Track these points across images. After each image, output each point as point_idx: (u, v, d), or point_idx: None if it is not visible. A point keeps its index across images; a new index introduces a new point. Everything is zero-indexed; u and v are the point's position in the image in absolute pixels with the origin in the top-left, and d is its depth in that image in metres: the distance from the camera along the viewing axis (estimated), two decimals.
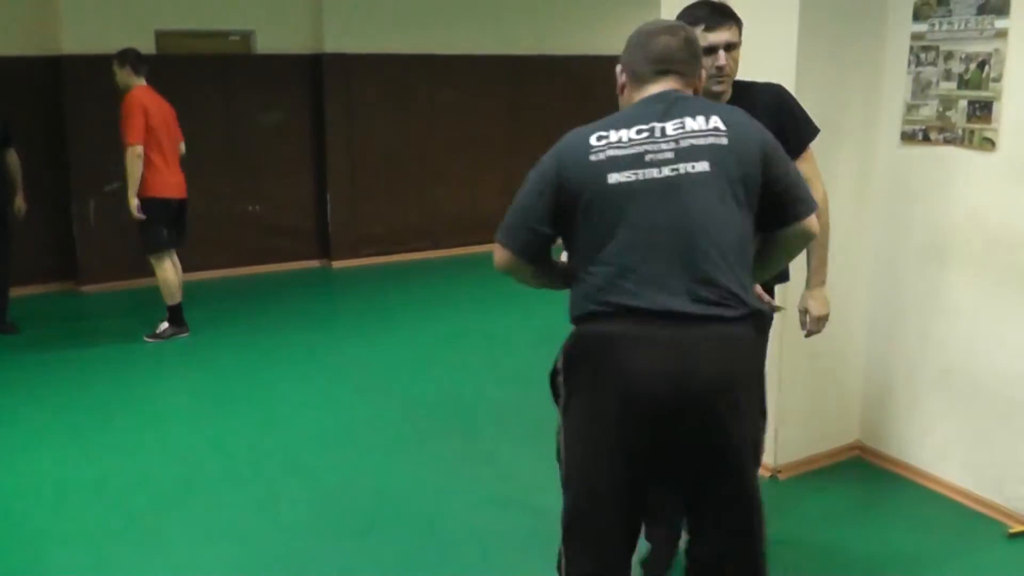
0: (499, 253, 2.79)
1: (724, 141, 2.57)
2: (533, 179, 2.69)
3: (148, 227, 7.19)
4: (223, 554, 4.13)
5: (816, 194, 3.46)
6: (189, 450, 5.27)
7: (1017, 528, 4.21)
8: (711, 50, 3.26)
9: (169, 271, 7.26)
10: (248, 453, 5.22)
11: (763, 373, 2.87)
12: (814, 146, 3.62)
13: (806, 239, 2.77)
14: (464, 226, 10.67)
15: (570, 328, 2.65)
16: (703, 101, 2.75)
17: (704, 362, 2.50)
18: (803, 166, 3.47)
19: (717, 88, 3.32)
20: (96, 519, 4.47)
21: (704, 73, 2.94)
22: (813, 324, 3.73)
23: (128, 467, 5.04)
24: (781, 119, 3.42)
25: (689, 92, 2.75)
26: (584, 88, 10.17)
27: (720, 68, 3.28)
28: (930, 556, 4.08)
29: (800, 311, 3.75)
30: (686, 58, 2.76)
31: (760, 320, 2.73)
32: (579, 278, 2.64)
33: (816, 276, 3.68)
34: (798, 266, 3.51)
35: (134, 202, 7.02)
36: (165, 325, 7.36)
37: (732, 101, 3.31)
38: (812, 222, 2.69)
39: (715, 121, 2.60)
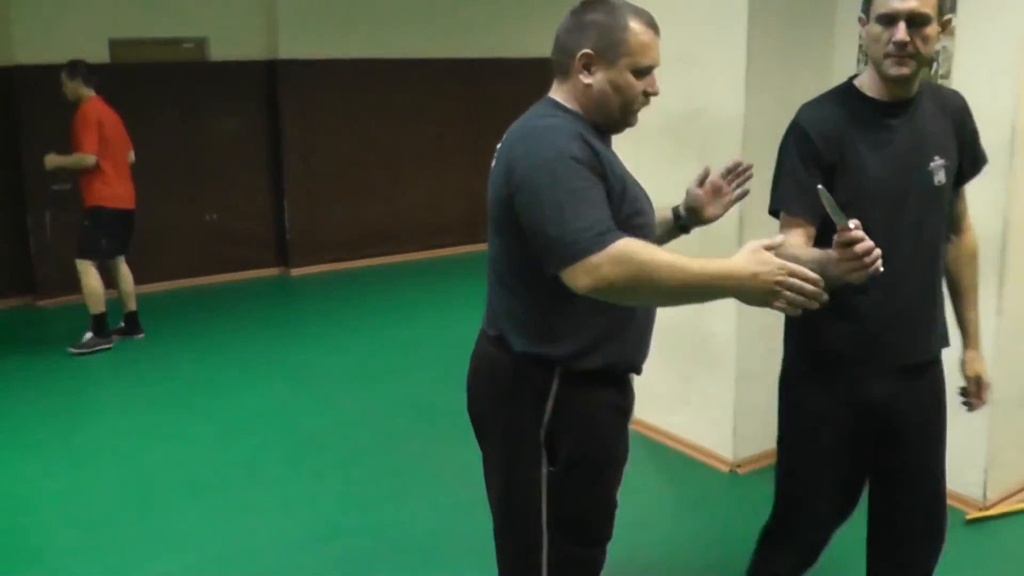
0: None
1: (494, 162, 2.44)
2: None
3: (90, 234, 7.19)
4: (187, 566, 4.13)
5: (970, 232, 2.98)
6: (150, 462, 5.25)
7: (974, 514, 4.29)
8: (890, 20, 2.52)
9: (94, 279, 7.18)
10: (209, 463, 5.21)
11: (515, 415, 2.49)
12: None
13: (584, 292, 2.17)
14: (424, 230, 10.68)
15: None
16: (531, 111, 2.49)
17: (469, 366, 2.66)
18: (960, 198, 2.92)
19: (894, 71, 2.56)
20: (59, 535, 4.44)
21: (879, 49, 2.57)
22: (986, 394, 3.05)
23: (89, 481, 5.01)
24: (964, 135, 2.80)
25: (563, 90, 2.47)
26: (541, 90, 10.16)
27: (900, 44, 2.51)
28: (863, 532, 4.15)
29: (970, 378, 3.02)
30: (558, 44, 2.46)
31: (523, 361, 2.43)
32: None
33: (978, 333, 3.01)
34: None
35: (55, 159, 7.12)
36: (89, 335, 7.25)
37: (919, 101, 2.70)
38: (569, 275, 2.15)
39: (503, 138, 2.44)
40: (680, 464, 5.01)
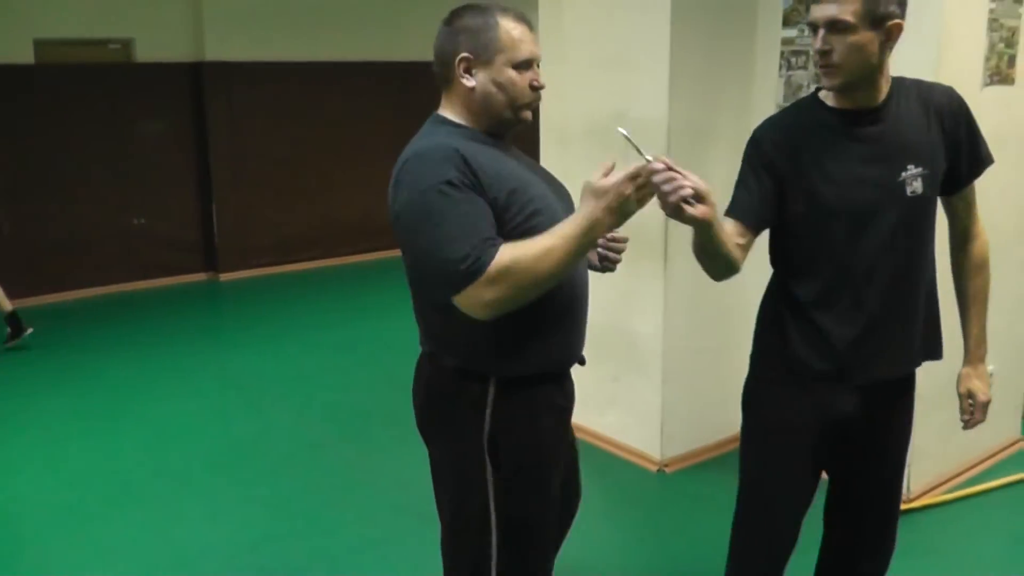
0: None
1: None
2: None
3: None
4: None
5: (977, 240, 2.80)
6: (78, 471, 5.16)
7: (903, 506, 4.38)
8: (813, 28, 2.46)
9: None
10: (137, 471, 5.14)
11: (456, 428, 2.51)
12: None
13: (482, 317, 2.31)
14: (353, 234, 10.64)
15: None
16: (419, 132, 2.51)
17: (413, 382, 2.68)
18: (961, 203, 2.73)
19: (824, 82, 2.51)
20: None
21: (815, 59, 2.50)
22: (980, 413, 2.86)
23: (15, 490, 4.93)
24: (957, 132, 2.60)
25: (450, 102, 2.50)
26: None
27: (819, 53, 2.44)
28: (818, 540, 4.21)
29: (962, 395, 2.87)
30: (436, 55, 2.50)
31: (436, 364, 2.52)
32: None
33: (980, 348, 2.85)
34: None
35: None
36: None
37: (892, 106, 2.55)
38: (460, 303, 2.27)
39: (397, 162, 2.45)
40: (608, 463, 5.04)
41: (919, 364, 2.79)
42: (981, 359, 2.83)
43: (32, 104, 7.43)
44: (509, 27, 2.40)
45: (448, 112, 2.48)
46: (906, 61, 4.18)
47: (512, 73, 2.40)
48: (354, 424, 5.78)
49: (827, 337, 2.61)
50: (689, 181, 2.19)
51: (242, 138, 9.90)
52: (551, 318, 2.45)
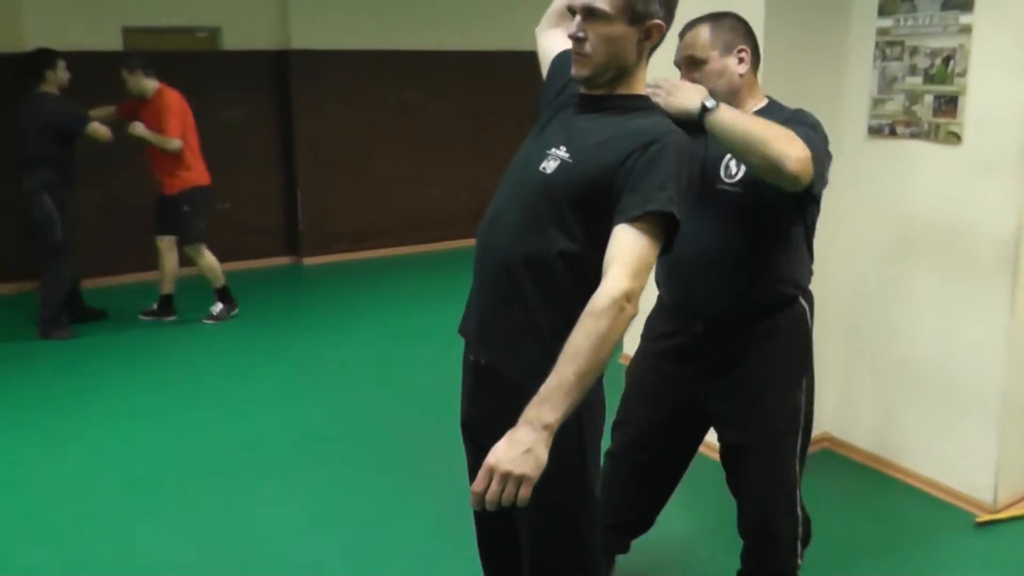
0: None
1: None
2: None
3: (189, 218, 7.56)
4: (191, 550, 4.12)
5: (602, 284, 2.15)
6: (156, 446, 5.25)
7: (984, 517, 4.26)
8: (573, 14, 2.33)
9: (210, 256, 7.65)
10: (215, 449, 5.21)
11: None
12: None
13: None
14: (434, 222, 10.65)
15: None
16: None
17: None
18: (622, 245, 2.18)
19: (574, 71, 2.34)
20: (63, 517, 4.43)
21: None
22: (483, 479, 2.08)
23: (94, 464, 5.01)
24: (632, 159, 2.22)
25: None
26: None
27: (572, 39, 2.32)
28: (898, 545, 4.11)
29: None
30: None
31: None
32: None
33: (534, 407, 2.09)
34: None
35: (142, 129, 7.32)
36: (220, 306, 7.82)
37: (616, 100, 2.37)
38: None
39: None
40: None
41: (527, 382, 2.20)
42: (529, 421, 2.05)
43: (120, 90, 7.53)
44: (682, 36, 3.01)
45: None
46: (998, 53, 4.06)
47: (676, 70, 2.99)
48: (430, 411, 5.74)
49: None
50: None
51: (325, 125, 9.97)
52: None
